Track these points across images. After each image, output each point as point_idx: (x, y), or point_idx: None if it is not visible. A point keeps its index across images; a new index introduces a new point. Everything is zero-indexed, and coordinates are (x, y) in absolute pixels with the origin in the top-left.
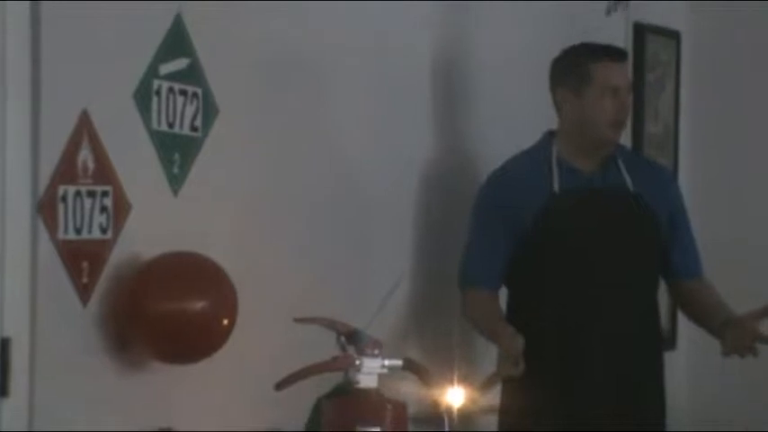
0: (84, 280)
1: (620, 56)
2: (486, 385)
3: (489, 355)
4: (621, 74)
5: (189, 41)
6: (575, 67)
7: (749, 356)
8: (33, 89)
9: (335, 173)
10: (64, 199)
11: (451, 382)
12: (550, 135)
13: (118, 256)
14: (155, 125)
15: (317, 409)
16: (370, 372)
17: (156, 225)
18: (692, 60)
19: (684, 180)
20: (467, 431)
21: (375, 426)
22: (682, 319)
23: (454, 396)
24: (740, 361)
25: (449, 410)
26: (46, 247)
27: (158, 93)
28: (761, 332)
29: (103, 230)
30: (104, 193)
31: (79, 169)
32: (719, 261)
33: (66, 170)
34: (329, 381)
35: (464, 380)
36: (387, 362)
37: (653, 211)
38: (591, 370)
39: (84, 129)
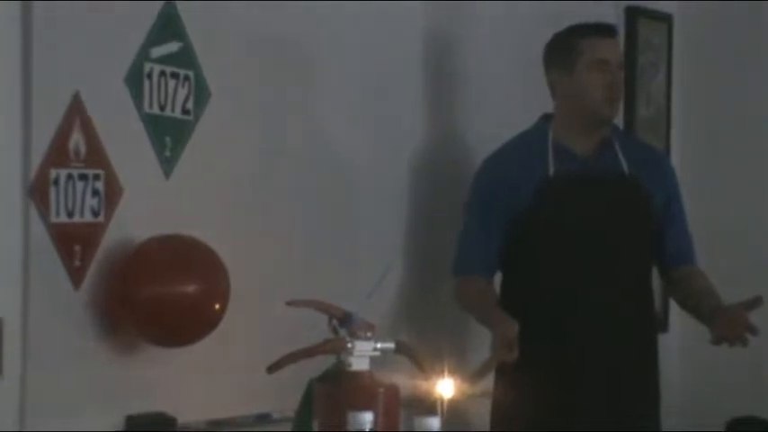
0: (77, 263)
1: (608, 31)
2: (480, 372)
3: (482, 341)
4: (610, 48)
5: (181, 24)
6: (564, 46)
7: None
8: (25, 72)
9: (327, 155)
10: (56, 182)
11: (443, 373)
12: (546, 118)
13: (110, 239)
14: (146, 108)
15: (308, 392)
16: (362, 354)
17: (148, 208)
18: (685, 44)
19: (676, 164)
20: (459, 417)
21: (367, 409)
22: (675, 303)
23: (445, 387)
24: (733, 347)
25: (441, 401)
26: (38, 231)
27: (150, 76)
28: (750, 322)
29: (95, 214)
30: (96, 177)
31: (71, 152)
32: (712, 246)
33: (58, 153)
34: (321, 364)
35: (456, 367)
36: (379, 344)
37: (649, 194)
38: (585, 354)
39: (76, 112)
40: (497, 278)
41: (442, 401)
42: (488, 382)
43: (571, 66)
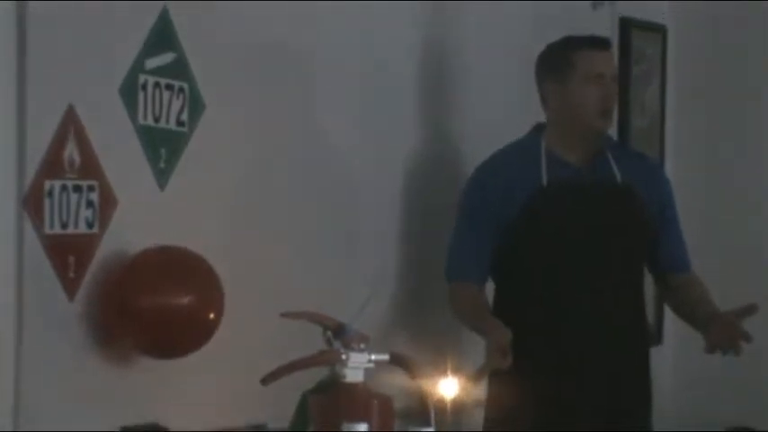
0: (71, 274)
1: (602, 44)
2: (474, 378)
3: (476, 349)
4: (604, 61)
5: (175, 36)
6: (558, 58)
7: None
8: (19, 83)
9: (322, 166)
10: (50, 194)
11: (442, 374)
12: (538, 128)
13: (104, 250)
14: (141, 120)
15: (302, 403)
16: (356, 366)
17: (142, 220)
18: (678, 55)
19: (670, 173)
20: (454, 424)
21: (362, 420)
22: (668, 314)
23: (446, 388)
24: (726, 356)
25: (440, 403)
26: (32, 242)
27: (144, 87)
28: (744, 330)
29: (90, 225)
30: (90, 188)
31: (65, 164)
32: (705, 255)
33: (52, 165)
34: (315, 375)
35: (452, 373)
36: (373, 356)
37: (642, 203)
38: (578, 363)
39: (71, 123)
40: (490, 286)
41: (441, 406)
42: (480, 391)
43: (565, 78)
